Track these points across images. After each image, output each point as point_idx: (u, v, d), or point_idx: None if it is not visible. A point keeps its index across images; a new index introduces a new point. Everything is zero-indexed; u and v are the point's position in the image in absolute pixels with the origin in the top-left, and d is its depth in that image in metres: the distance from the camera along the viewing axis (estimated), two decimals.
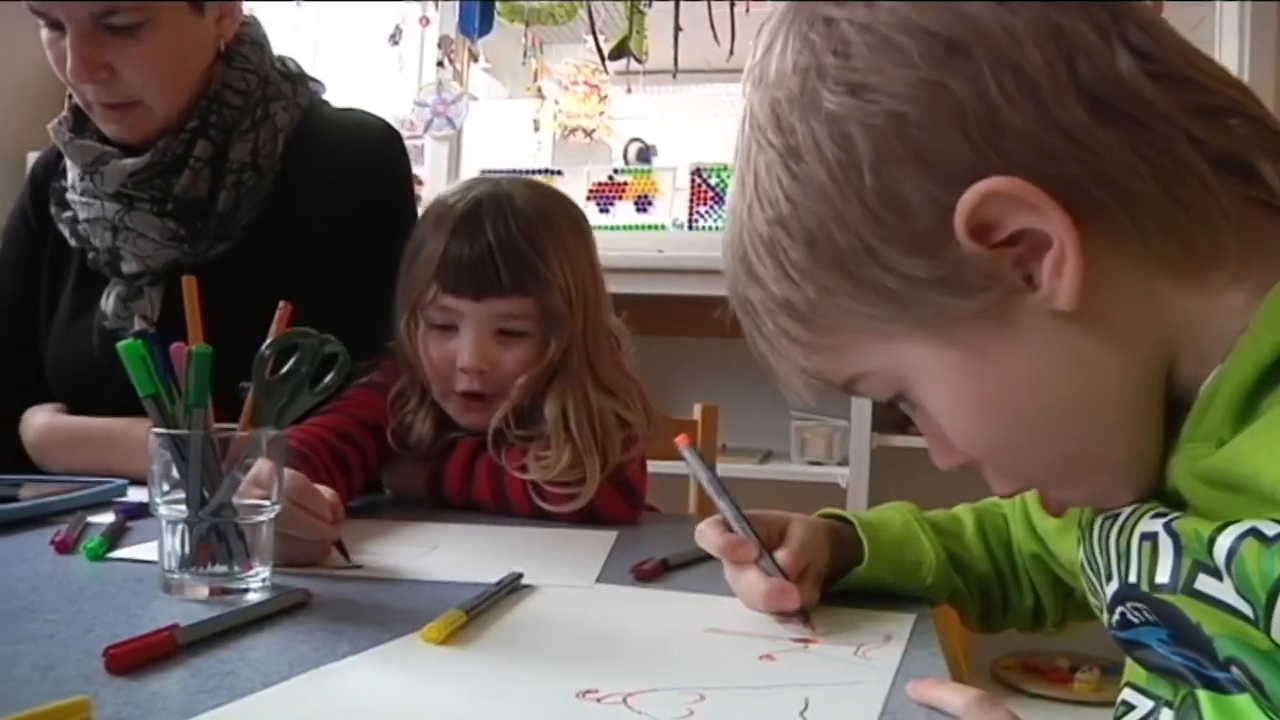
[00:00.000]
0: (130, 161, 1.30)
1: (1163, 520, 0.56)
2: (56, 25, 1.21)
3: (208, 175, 1.32)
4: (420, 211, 1.30)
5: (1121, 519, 0.60)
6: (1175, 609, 0.54)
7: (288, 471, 0.84)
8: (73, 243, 1.38)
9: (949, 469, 0.65)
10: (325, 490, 0.90)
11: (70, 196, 1.37)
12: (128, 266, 1.34)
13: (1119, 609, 0.59)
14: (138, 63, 1.24)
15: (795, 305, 0.60)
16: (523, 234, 1.15)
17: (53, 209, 1.41)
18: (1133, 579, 0.57)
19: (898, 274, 0.56)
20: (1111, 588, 0.60)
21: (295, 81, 1.42)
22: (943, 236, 0.54)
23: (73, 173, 1.37)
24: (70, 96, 1.35)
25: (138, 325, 1.31)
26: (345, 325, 0.87)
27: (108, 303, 1.35)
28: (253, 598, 0.75)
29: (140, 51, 1.24)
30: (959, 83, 0.53)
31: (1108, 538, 0.61)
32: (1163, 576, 0.54)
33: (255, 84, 1.36)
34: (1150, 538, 0.56)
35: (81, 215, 1.36)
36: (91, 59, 1.21)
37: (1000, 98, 0.52)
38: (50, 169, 1.45)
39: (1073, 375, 0.57)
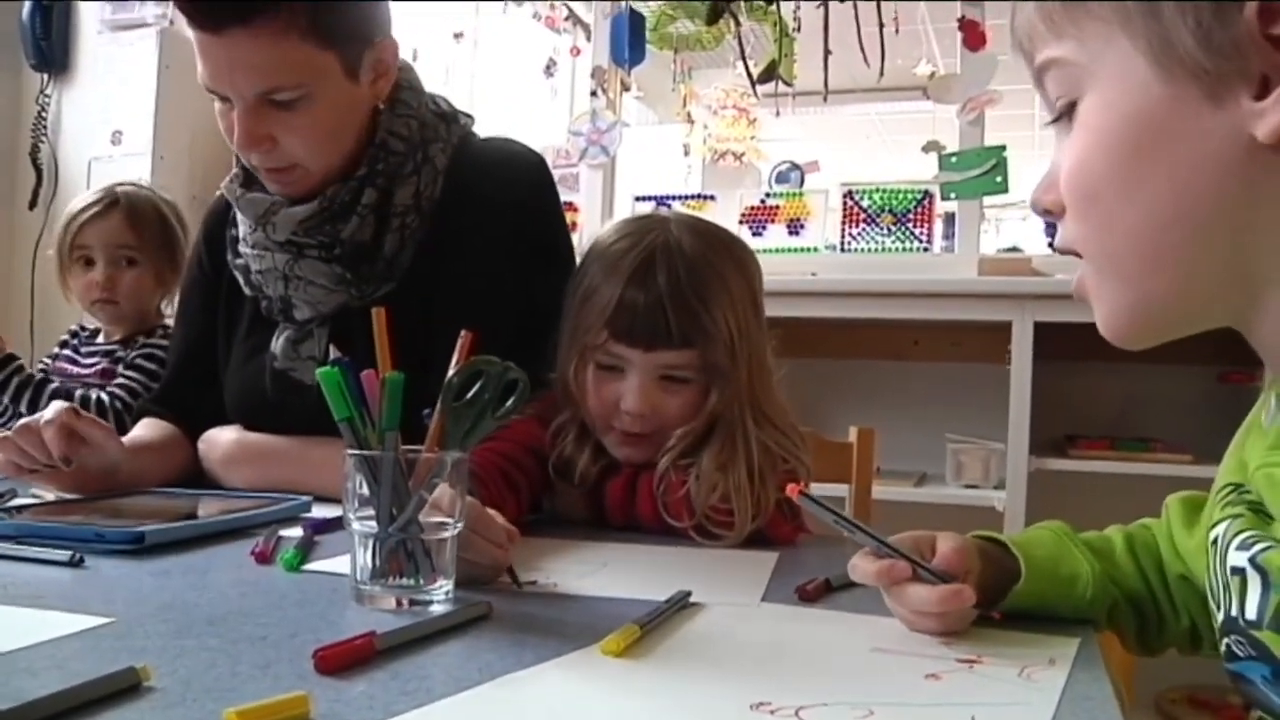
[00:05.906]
0: (300, 209, 1.37)
1: (1248, 553, 0.54)
2: (227, 99, 1.30)
3: (373, 220, 1.38)
4: (578, 241, 1.32)
5: (1220, 547, 0.58)
6: (1266, 645, 0.52)
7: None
8: (247, 291, 1.47)
9: (1035, 206, 0.64)
10: (498, 517, 0.94)
11: (243, 249, 1.46)
12: (300, 313, 1.42)
13: (1225, 640, 0.57)
14: (297, 133, 1.31)
15: None
16: (691, 287, 1.18)
17: (229, 256, 1.49)
18: (1233, 611, 0.55)
19: None
20: (1220, 617, 0.58)
21: (448, 120, 1.47)
22: None
23: (244, 227, 1.45)
24: (238, 157, 1.43)
25: (306, 365, 1.39)
26: (506, 355, 0.88)
27: (277, 344, 1.43)
28: (437, 609, 0.79)
29: (299, 123, 1.30)
30: None
31: (1215, 565, 0.59)
32: (1251, 612, 0.53)
33: (416, 129, 1.41)
34: (1239, 572, 0.54)
35: (254, 267, 1.44)
36: (255, 132, 1.30)
37: None
38: (220, 218, 1.54)
39: (1217, 194, 0.55)
